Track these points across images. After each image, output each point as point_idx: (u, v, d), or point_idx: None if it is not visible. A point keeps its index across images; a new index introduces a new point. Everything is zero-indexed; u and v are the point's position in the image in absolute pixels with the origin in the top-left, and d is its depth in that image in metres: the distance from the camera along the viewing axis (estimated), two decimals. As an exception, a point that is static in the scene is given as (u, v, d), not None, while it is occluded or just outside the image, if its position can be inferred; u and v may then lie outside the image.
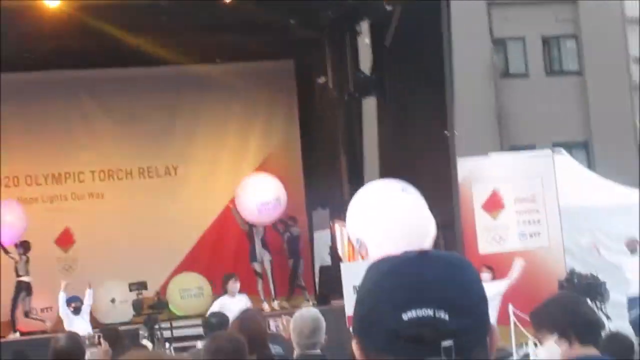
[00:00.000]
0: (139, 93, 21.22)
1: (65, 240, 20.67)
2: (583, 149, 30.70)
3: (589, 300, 12.26)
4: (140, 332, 15.07)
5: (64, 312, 16.11)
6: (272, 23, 19.32)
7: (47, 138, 20.75)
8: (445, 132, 17.26)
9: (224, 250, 21.01)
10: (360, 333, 1.82)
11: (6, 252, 18.56)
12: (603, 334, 5.00)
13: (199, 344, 10.78)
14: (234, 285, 15.82)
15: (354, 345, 1.82)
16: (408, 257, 1.83)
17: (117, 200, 21.00)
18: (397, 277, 1.79)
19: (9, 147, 20.07)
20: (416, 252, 1.83)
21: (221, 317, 10.84)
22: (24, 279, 18.53)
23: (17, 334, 18.28)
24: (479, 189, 17.48)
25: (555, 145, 23.43)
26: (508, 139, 30.10)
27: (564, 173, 18.16)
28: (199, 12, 18.36)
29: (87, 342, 9.57)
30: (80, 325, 15.31)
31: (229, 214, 20.31)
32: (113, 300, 18.34)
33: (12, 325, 18.44)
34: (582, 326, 4.29)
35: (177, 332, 16.68)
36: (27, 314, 18.56)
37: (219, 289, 19.33)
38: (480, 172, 17.96)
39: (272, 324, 11.91)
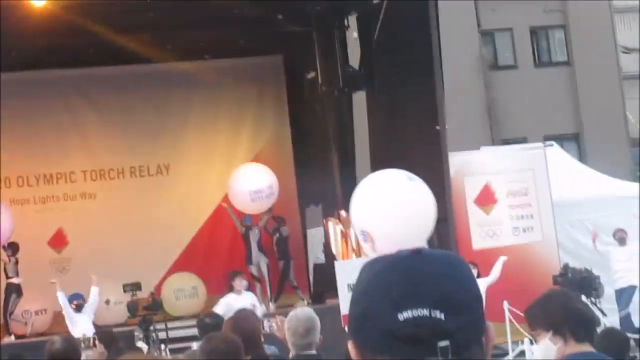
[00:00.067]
0: (128, 91, 21.16)
1: (58, 241, 20.62)
2: (574, 141, 30.75)
3: (584, 296, 12.28)
4: (136, 333, 15.00)
5: (66, 310, 15.85)
6: (260, 18, 19.30)
7: (38, 138, 20.67)
8: (436, 126, 17.25)
9: (218, 249, 20.96)
10: (356, 333, 1.81)
11: None
12: (598, 330, 5.01)
13: (195, 345, 10.77)
14: (240, 282, 15.69)
15: (350, 346, 1.82)
16: (402, 256, 1.82)
17: (109, 200, 20.95)
18: (391, 277, 1.78)
19: (-1, 147, 20.03)
20: (410, 250, 1.82)
21: (216, 318, 10.82)
22: (14, 280, 18.48)
23: (12, 337, 18.22)
24: (471, 183, 17.47)
25: (547, 138, 23.46)
26: (499, 132, 30.15)
27: (555, 166, 18.18)
28: (187, 9, 18.32)
29: (82, 344, 9.57)
30: (83, 324, 15.11)
31: (222, 212, 20.27)
32: (107, 302, 18.29)
33: (7, 328, 18.34)
34: (577, 323, 4.31)
35: (172, 333, 16.64)
36: (10, 314, 18.45)
37: (214, 289, 19.31)
38: (471, 166, 17.96)
39: (266, 324, 11.86)
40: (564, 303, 4.44)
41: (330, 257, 18.93)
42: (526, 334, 12.55)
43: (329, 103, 20.27)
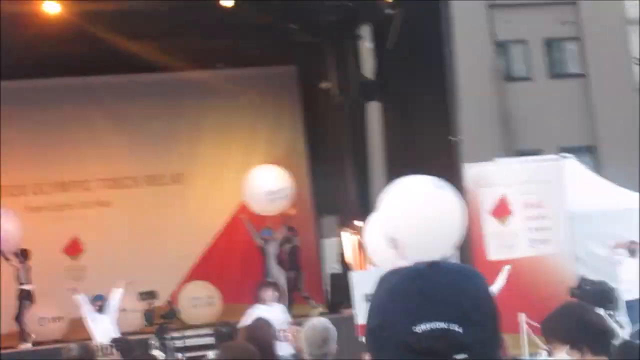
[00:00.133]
0: (143, 99, 21.20)
1: (73, 249, 20.62)
2: (589, 153, 30.66)
3: (602, 309, 12.22)
4: (151, 342, 14.99)
5: (87, 311, 15.56)
6: (274, 28, 19.35)
7: (53, 146, 20.72)
8: (451, 137, 17.23)
9: (234, 257, 20.92)
10: (373, 346, 1.82)
11: (6, 259, 18.54)
12: (615, 342, 5.01)
13: (211, 354, 10.79)
14: (270, 294, 14.83)
15: (366, 357, 1.83)
16: (419, 269, 1.83)
17: (125, 208, 20.97)
18: (408, 290, 1.79)
19: (14, 155, 20.06)
20: (426, 263, 1.83)
21: (232, 327, 10.84)
22: (26, 287, 18.53)
23: (30, 345, 18.20)
24: (486, 195, 17.40)
25: (561, 149, 23.36)
26: (513, 144, 30.07)
27: (571, 178, 18.09)
28: (201, 18, 18.38)
29: (99, 352, 9.61)
30: (105, 325, 15.04)
31: (238, 221, 20.25)
32: (124, 310, 18.31)
33: (23, 335, 18.31)
34: (594, 336, 4.31)
35: (188, 342, 16.63)
36: (17, 318, 18.48)
37: (229, 297, 19.28)
38: (487, 178, 17.89)
39: (280, 334, 11.84)
40: (580, 316, 4.45)
41: (345, 267, 18.91)
42: (543, 345, 12.51)
43: (343, 113, 20.27)
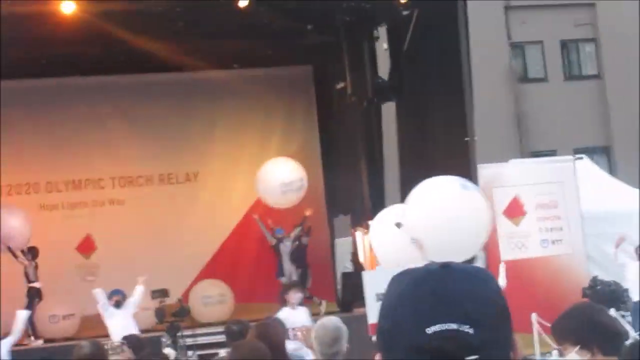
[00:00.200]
0: (156, 99, 21.25)
1: (86, 247, 20.68)
2: (604, 154, 30.59)
3: (613, 310, 12.20)
4: (163, 339, 15.02)
5: (104, 305, 15.46)
6: (290, 29, 19.36)
7: (67, 145, 20.77)
8: (466, 138, 17.23)
9: (246, 256, 20.97)
10: (384, 347, 1.80)
11: (15, 256, 18.61)
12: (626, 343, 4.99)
13: (222, 352, 10.79)
14: (295, 296, 14.19)
15: (377, 358, 1.80)
16: (430, 270, 1.80)
17: (138, 207, 21.02)
18: (419, 291, 1.76)
19: (28, 154, 20.18)
20: (438, 264, 1.81)
21: (243, 325, 10.85)
22: (35, 284, 18.60)
23: (40, 342, 18.29)
24: (499, 195, 17.36)
25: (576, 151, 23.35)
26: (528, 145, 30.02)
27: (585, 179, 18.06)
28: (215, 18, 18.41)
29: (110, 350, 9.60)
30: (121, 320, 14.98)
31: (250, 220, 20.30)
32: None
33: (33, 332, 18.36)
34: (604, 337, 4.29)
35: (199, 340, 16.67)
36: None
37: (241, 296, 19.30)
38: (500, 179, 17.87)
39: (290, 333, 11.82)
40: (590, 317, 4.42)
41: (357, 266, 18.93)
42: (554, 345, 12.48)
43: (358, 113, 20.28)
